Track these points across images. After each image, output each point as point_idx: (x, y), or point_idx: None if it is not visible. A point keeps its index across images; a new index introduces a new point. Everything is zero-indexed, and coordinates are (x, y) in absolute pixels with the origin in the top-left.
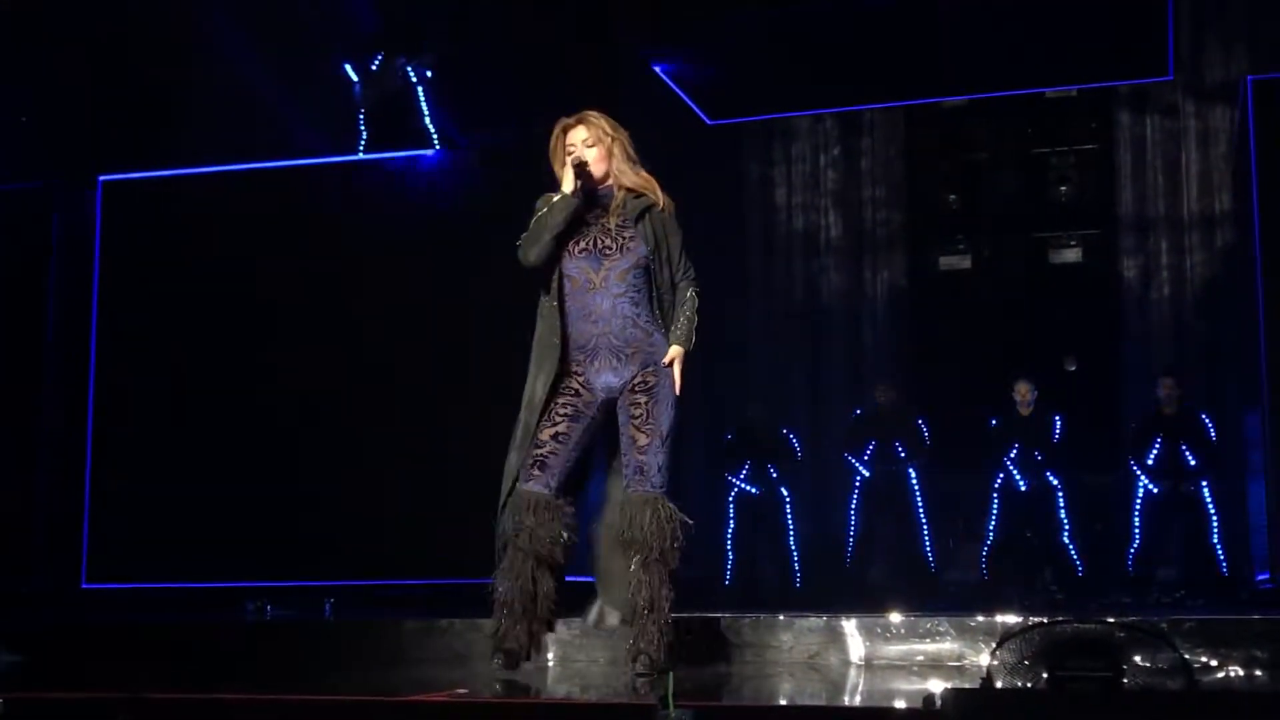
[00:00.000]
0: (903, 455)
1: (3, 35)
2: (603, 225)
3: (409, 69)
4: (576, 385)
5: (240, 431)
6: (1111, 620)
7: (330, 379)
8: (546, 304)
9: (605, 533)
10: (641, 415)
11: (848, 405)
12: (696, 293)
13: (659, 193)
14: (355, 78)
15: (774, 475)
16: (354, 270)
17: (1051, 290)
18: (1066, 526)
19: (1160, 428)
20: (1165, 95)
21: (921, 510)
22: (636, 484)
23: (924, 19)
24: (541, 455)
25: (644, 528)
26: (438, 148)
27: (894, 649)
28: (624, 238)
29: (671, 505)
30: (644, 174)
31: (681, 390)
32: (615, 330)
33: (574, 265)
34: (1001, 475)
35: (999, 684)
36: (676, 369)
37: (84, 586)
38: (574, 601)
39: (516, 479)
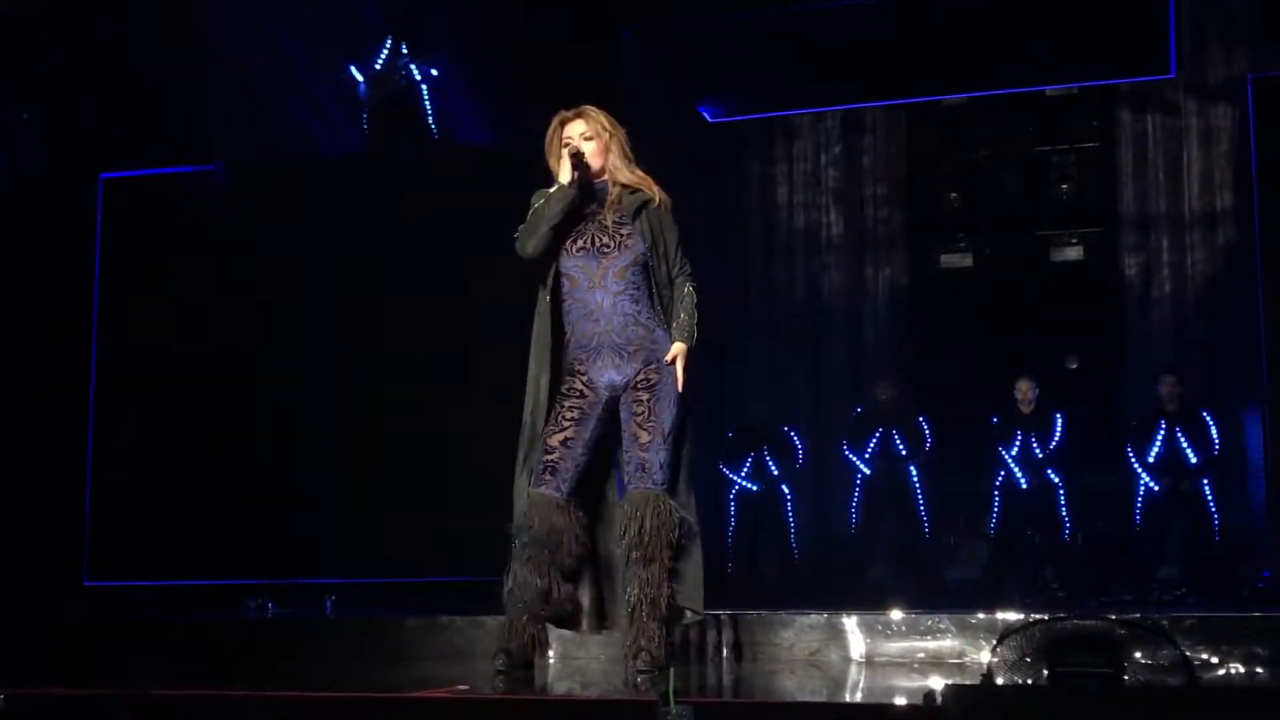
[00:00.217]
0: (904, 453)
1: (2, 32)
2: (600, 223)
3: (413, 67)
4: (580, 385)
5: (241, 428)
6: (1112, 617)
7: (331, 376)
8: (544, 302)
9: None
10: (644, 412)
11: (849, 403)
12: (694, 288)
13: (655, 189)
14: (360, 77)
15: (775, 473)
16: (355, 268)
17: (1053, 288)
18: (1067, 524)
19: (1161, 425)
20: (1167, 93)
21: (922, 508)
22: (638, 481)
23: (925, 17)
24: (552, 460)
25: (644, 525)
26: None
27: (895, 646)
28: (622, 235)
29: (672, 502)
30: (639, 172)
31: (686, 387)
32: (617, 328)
33: (572, 263)
34: (1002, 473)
35: (1000, 681)
36: (680, 366)
37: (85, 584)
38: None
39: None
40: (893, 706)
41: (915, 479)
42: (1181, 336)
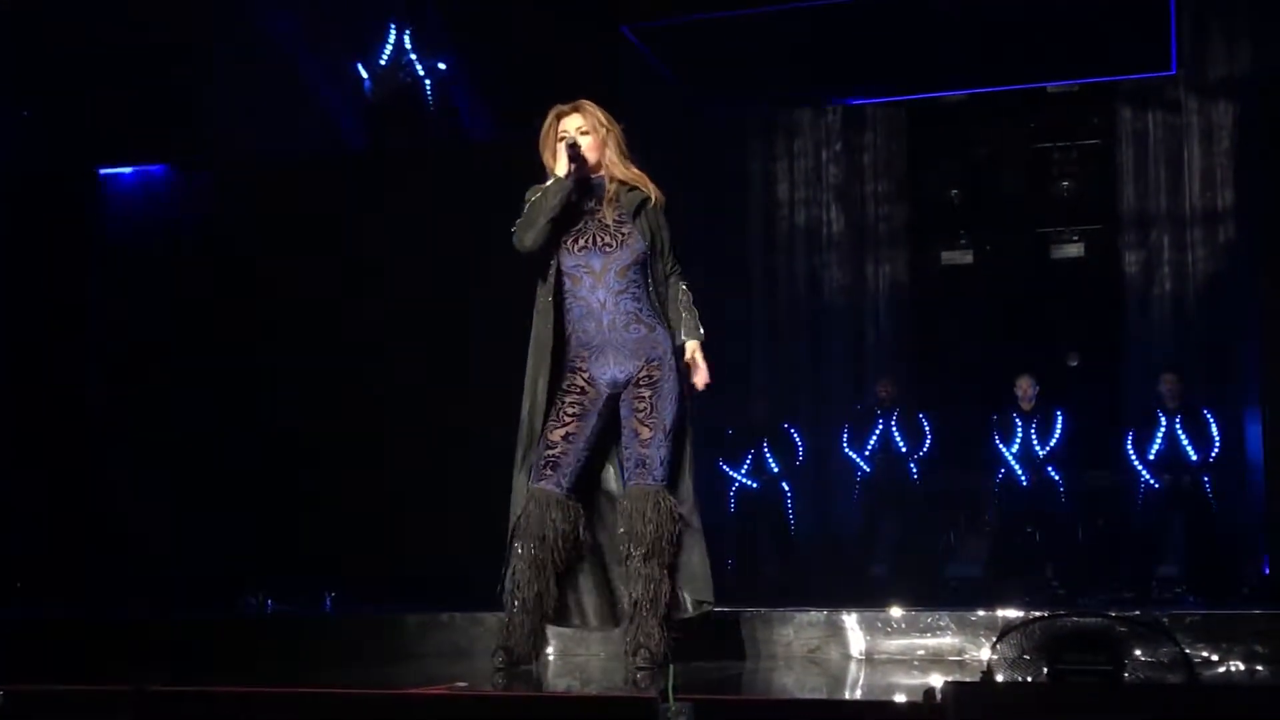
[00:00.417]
0: (904, 450)
1: (2, 29)
2: (600, 221)
3: (416, 65)
4: (581, 383)
5: (240, 425)
6: (1113, 614)
7: (331, 373)
8: (544, 300)
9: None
10: (645, 409)
11: (849, 400)
12: (688, 286)
13: (650, 186)
14: (364, 74)
15: (775, 470)
16: (355, 266)
17: (1053, 286)
18: (1068, 522)
19: (1162, 423)
20: (1168, 91)
21: (923, 505)
22: (638, 477)
23: (926, 13)
24: (553, 455)
25: (644, 521)
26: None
27: (894, 643)
28: (623, 233)
29: (673, 499)
30: (634, 169)
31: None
32: (619, 326)
33: (573, 261)
34: (1003, 470)
35: (999, 678)
36: (700, 360)
37: (84, 580)
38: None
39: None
40: (893, 704)
41: (915, 476)
42: (1182, 334)
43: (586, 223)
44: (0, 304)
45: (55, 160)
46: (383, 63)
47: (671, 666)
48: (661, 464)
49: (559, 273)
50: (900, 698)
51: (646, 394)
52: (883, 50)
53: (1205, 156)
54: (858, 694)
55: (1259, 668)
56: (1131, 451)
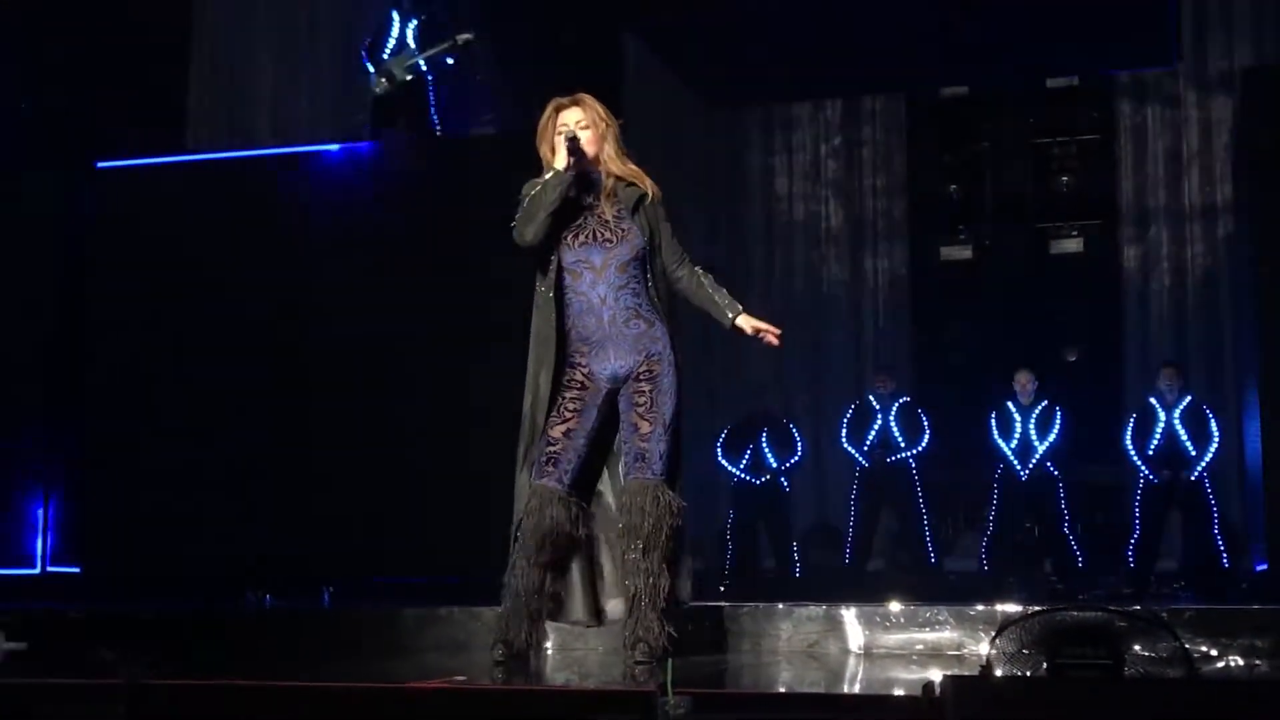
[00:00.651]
0: (903, 445)
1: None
2: (599, 216)
3: (420, 61)
4: (581, 378)
5: (238, 420)
6: (1112, 608)
7: (330, 370)
8: (543, 296)
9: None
10: (645, 403)
11: (848, 395)
12: (704, 267)
13: (647, 182)
14: (370, 68)
15: (773, 464)
16: (354, 261)
17: (1052, 280)
18: (1066, 516)
19: (1160, 417)
20: (1167, 85)
21: (921, 500)
22: (637, 470)
23: (926, 7)
24: (554, 451)
25: (644, 515)
26: None
27: (893, 638)
28: (622, 229)
29: (672, 492)
30: (632, 165)
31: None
32: (620, 322)
33: (573, 257)
34: (1001, 465)
35: (999, 672)
36: (759, 323)
37: (81, 574)
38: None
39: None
40: (891, 698)
41: (914, 470)
42: (1181, 328)
43: (586, 218)
44: None
45: (54, 153)
46: (386, 56)
47: (670, 660)
48: (661, 458)
49: (559, 268)
50: (899, 692)
51: (646, 388)
52: (883, 43)
53: (1204, 151)
54: (856, 688)
55: (1258, 662)
56: (1130, 447)
